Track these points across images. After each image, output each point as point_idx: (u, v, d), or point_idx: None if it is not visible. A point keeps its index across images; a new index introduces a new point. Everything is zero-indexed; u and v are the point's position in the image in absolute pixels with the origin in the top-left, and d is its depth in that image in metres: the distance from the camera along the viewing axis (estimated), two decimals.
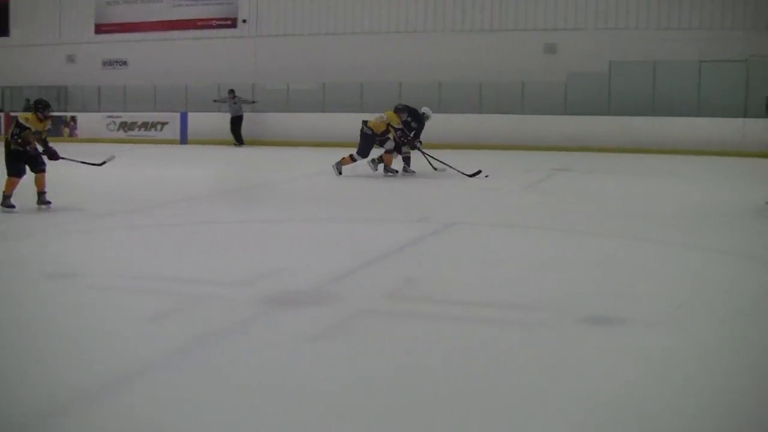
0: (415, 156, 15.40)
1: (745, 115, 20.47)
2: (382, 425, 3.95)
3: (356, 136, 15.28)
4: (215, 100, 25.20)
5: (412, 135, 15.32)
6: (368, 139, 14.89)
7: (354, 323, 5.63)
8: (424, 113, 16.22)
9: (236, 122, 24.60)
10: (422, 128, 16.08)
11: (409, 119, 15.46)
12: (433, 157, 15.25)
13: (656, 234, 9.35)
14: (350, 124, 18.68)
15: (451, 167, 15.01)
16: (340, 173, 14.87)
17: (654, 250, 8.66)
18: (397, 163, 15.30)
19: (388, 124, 14.76)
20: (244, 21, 28.04)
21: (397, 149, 15.03)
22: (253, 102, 25.08)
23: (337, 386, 4.38)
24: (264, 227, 9.82)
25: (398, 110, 15.23)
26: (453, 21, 25.48)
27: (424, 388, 4.40)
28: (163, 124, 26.22)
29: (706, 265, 7.95)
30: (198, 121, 25.75)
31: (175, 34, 28.77)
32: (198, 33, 28.53)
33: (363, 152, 14.97)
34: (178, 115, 26.13)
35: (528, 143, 21.65)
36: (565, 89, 22.24)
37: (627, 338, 5.48)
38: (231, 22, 28.28)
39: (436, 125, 17.17)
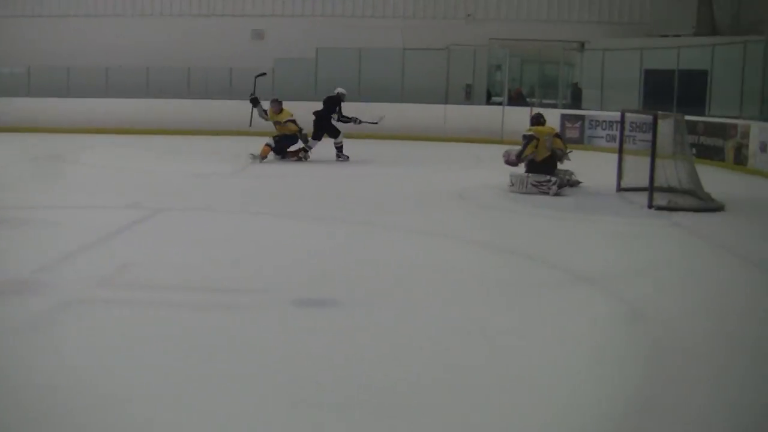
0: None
1: (446, 101, 21.21)
2: (84, 419, 3.83)
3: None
4: None
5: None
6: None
7: (64, 313, 5.48)
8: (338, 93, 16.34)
9: None
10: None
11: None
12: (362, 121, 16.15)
13: (358, 216, 9.61)
14: None
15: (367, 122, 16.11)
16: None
17: (358, 231, 8.88)
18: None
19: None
20: None
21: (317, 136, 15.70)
22: None
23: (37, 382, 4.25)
24: None
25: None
26: (161, 5, 24.49)
27: (134, 378, 4.36)
28: None
29: (415, 246, 8.25)
30: None
31: None
32: None
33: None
34: None
35: (236, 128, 21.26)
36: (273, 75, 21.99)
37: (339, 319, 5.63)
38: None
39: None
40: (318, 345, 5.02)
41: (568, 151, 12.30)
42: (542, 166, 11.81)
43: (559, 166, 12.12)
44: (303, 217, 9.51)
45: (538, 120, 12.42)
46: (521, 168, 11.98)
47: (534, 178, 11.62)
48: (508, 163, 12.13)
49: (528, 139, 11.88)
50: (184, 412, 3.99)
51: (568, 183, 12.07)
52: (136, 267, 6.86)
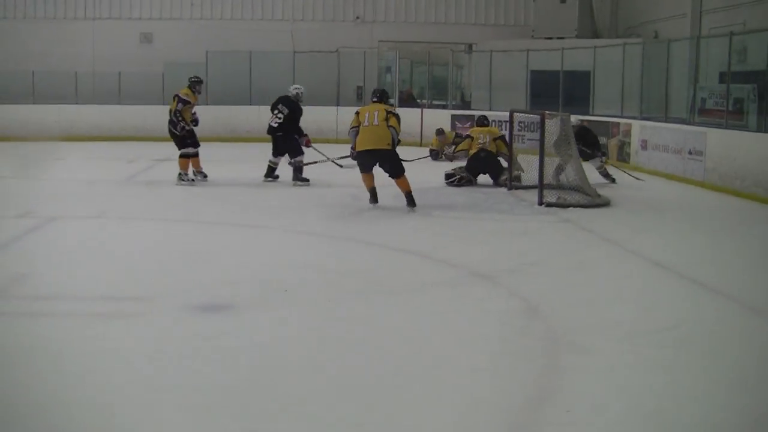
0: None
1: (338, 103, 21.32)
2: None
3: None
4: None
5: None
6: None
7: None
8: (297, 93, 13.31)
9: None
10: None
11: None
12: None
13: (255, 220, 9.58)
14: None
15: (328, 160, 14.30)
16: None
17: (253, 235, 8.88)
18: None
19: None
20: None
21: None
22: None
23: None
24: None
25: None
26: (45, 8, 23.85)
27: (38, 386, 4.29)
28: None
29: (311, 248, 8.32)
30: None
31: None
32: None
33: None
34: None
35: (128, 134, 20.95)
36: (163, 79, 21.73)
37: (237, 322, 5.68)
38: None
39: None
40: (216, 348, 5.07)
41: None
42: (479, 162, 12.95)
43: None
44: (198, 223, 9.49)
45: (480, 122, 13.94)
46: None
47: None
48: (446, 156, 15.71)
49: (464, 137, 13.85)
50: (87, 416, 4.00)
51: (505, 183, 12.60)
52: (32, 277, 6.76)
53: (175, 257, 7.61)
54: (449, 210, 10.58)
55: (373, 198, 10.80)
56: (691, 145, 13.45)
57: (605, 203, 10.98)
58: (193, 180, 12.71)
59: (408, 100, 22.65)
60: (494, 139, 13.01)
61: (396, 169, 10.62)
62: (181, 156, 12.74)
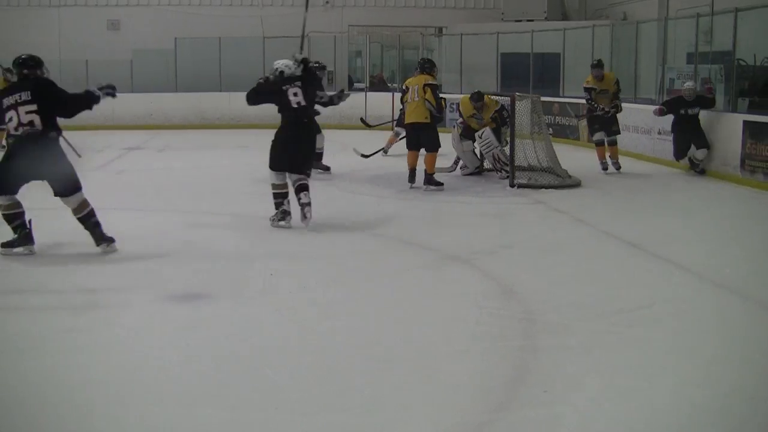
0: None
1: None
2: None
3: None
4: None
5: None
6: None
7: None
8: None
9: None
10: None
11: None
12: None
13: (229, 208, 9.52)
14: None
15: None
16: None
17: (227, 222, 8.83)
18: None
19: None
20: None
21: None
22: None
23: None
24: None
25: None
26: None
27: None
28: None
29: (291, 235, 8.29)
30: None
31: None
32: None
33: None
34: None
35: (96, 122, 20.74)
36: (131, 66, 21.57)
37: (214, 311, 5.66)
38: None
39: None
40: (194, 338, 5.07)
41: None
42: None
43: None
44: (172, 212, 9.41)
45: (476, 97, 12.25)
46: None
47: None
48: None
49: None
50: (65, 412, 4.01)
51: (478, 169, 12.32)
52: (1, 271, 6.74)
53: (150, 248, 7.50)
54: (423, 193, 10.60)
55: (411, 178, 10.93)
56: (660, 125, 13.55)
57: (576, 184, 11.06)
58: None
59: (379, 85, 22.63)
60: (494, 115, 12.15)
61: (427, 144, 10.77)
62: None
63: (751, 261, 7.19)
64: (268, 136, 8.57)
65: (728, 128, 11.81)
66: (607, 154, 12.59)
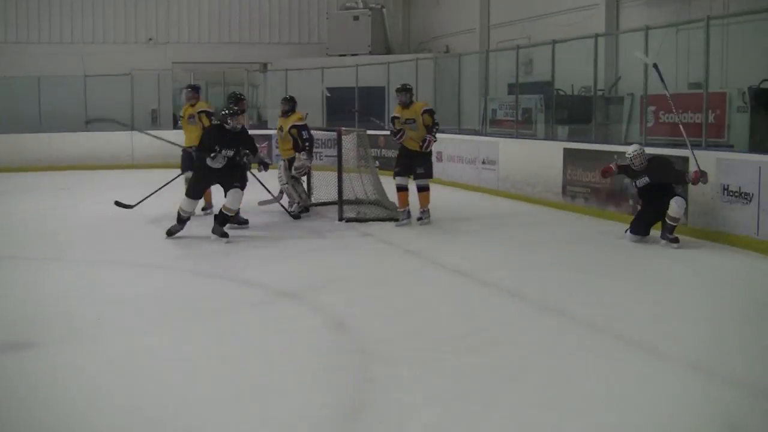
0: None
1: (132, 128, 20.70)
2: None
3: None
4: None
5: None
6: None
7: None
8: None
9: None
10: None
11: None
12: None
13: (49, 252, 9.17)
14: None
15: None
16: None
17: (51, 267, 8.49)
18: None
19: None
20: None
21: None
22: None
23: None
24: None
25: None
26: None
27: None
28: None
29: (122, 278, 8.00)
30: None
31: None
32: None
33: None
34: None
35: None
36: None
37: (41, 360, 5.37)
38: None
39: None
40: (21, 388, 4.81)
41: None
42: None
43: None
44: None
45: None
46: None
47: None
48: None
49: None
50: None
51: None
52: None
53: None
54: (249, 229, 10.45)
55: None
56: (484, 155, 13.92)
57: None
58: None
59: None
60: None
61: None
62: None
63: (571, 282, 7.44)
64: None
65: (549, 156, 12.25)
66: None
